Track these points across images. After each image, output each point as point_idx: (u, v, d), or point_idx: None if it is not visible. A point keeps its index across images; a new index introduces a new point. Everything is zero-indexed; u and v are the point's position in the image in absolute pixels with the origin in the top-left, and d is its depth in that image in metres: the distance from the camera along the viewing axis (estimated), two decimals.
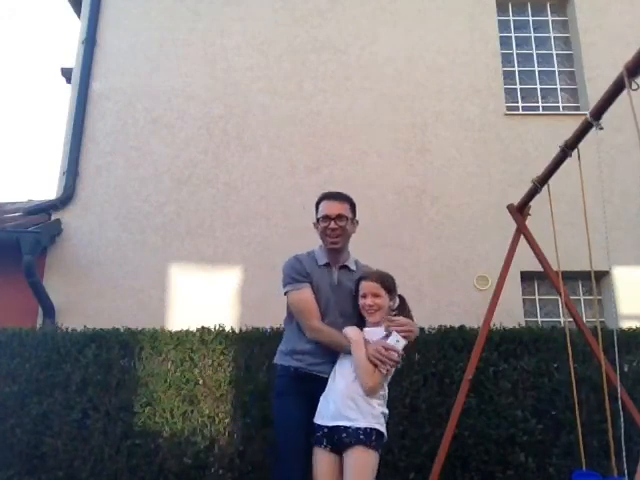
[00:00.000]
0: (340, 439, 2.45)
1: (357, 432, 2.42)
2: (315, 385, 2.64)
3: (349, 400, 2.48)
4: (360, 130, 6.32)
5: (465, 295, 5.67)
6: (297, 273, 2.80)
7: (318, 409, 2.59)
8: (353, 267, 2.89)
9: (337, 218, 2.82)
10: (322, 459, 2.49)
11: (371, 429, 2.45)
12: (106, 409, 4.27)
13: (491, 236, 5.81)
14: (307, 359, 2.72)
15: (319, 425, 2.54)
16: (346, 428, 2.44)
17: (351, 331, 2.58)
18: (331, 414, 2.50)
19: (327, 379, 2.64)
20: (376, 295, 2.60)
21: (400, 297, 2.75)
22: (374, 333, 2.58)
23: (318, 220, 2.88)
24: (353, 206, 2.96)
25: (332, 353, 2.66)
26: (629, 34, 6.29)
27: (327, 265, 2.85)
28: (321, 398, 2.60)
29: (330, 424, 2.49)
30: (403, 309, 2.72)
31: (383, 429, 2.51)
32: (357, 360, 2.49)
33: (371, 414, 2.47)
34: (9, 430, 4.24)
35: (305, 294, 2.76)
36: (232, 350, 4.44)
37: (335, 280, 2.83)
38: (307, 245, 6.02)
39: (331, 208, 2.86)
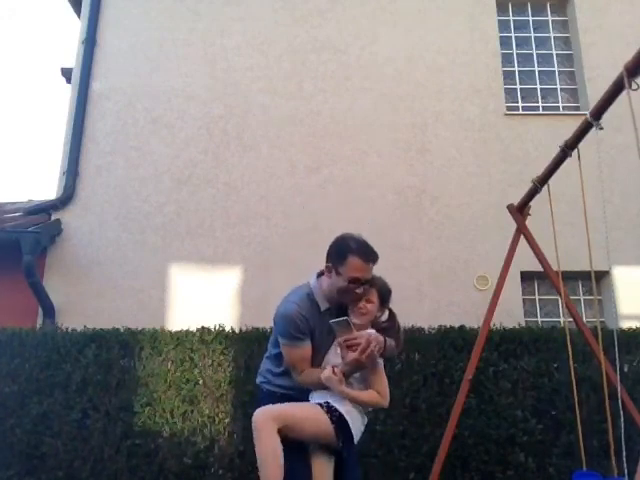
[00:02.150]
0: None
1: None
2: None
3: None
4: (360, 130, 6.32)
5: (465, 295, 5.67)
6: (298, 332, 2.54)
7: None
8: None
9: (366, 283, 2.56)
10: (314, 458, 2.51)
11: (332, 405, 2.45)
12: (106, 409, 4.27)
13: (491, 236, 5.81)
14: (287, 392, 2.68)
15: None
16: None
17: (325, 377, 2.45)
18: None
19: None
20: (370, 300, 2.56)
21: (391, 312, 2.69)
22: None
23: (338, 271, 2.54)
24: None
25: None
26: (629, 34, 6.29)
27: (329, 309, 2.64)
28: None
29: None
30: (392, 325, 2.65)
31: (343, 413, 2.44)
32: (354, 399, 2.46)
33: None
34: (9, 430, 4.25)
35: (302, 352, 2.57)
36: (232, 350, 4.45)
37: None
38: (306, 245, 6.02)
39: (366, 272, 2.54)
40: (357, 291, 2.54)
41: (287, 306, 2.62)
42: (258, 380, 2.87)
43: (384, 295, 2.62)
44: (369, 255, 2.56)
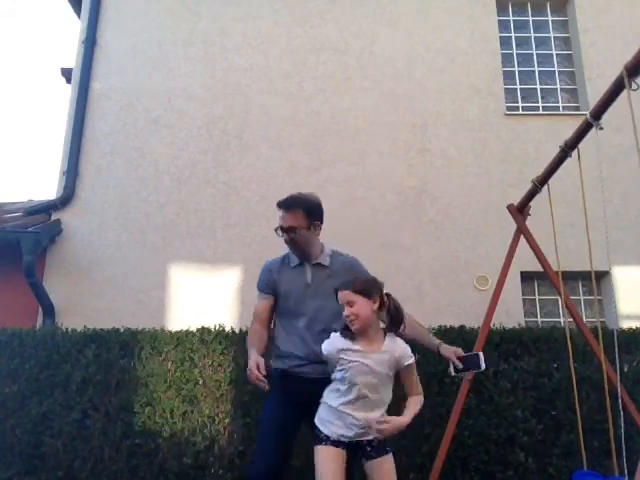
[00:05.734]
0: (361, 451, 2.48)
1: (379, 446, 2.46)
2: (299, 385, 2.73)
3: (365, 428, 2.46)
4: (360, 130, 6.32)
5: (465, 295, 5.67)
6: (263, 283, 2.91)
7: (322, 419, 2.55)
8: (325, 263, 2.87)
9: (287, 230, 2.81)
10: (327, 454, 2.47)
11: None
12: (106, 409, 4.27)
13: (491, 236, 5.81)
14: (290, 361, 2.78)
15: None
16: (369, 441, 2.47)
17: None
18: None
19: (310, 379, 2.68)
20: (350, 304, 2.44)
21: (388, 297, 2.52)
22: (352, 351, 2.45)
23: None
24: (309, 210, 2.84)
25: (313, 354, 2.69)
26: (629, 34, 6.29)
27: (301, 264, 2.88)
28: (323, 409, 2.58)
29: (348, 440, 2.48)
30: (396, 317, 2.51)
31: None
32: None
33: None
34: (9, 430, 4.24)
35: (260, 305, 2.90)
36: (232, 350, 4.44)
37: (309, 279, 2.85)
38: None
39: (282, 219, 2.83)
40: (283, 238, 2.85)
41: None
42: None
43: (360, 288, 2.46)
44: (284, 202, 2.84)
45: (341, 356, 2.46)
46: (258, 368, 2.55)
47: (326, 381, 2.59)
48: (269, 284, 2.89)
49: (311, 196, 2.91)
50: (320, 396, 2.58)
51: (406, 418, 2.43)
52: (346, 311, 2.44)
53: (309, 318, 2.78)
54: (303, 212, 2.81)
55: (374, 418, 2.41)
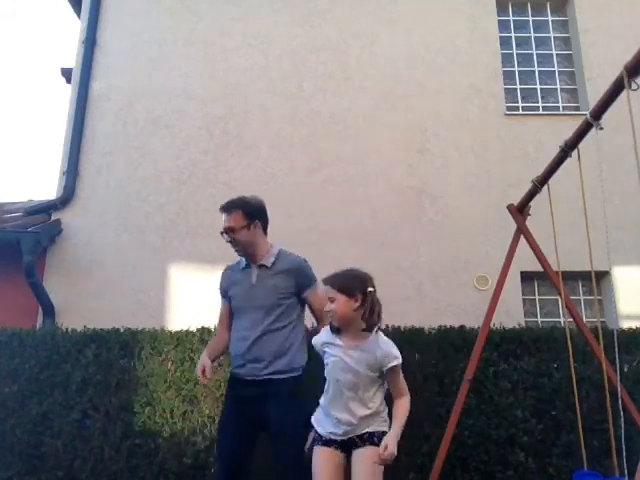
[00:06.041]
0: (354, 445, 2.46)
1: (371, 436, 2.44)
2: (243, 387, 2.83)
3: (352, 427, 2.47)
4: (360, 130, 6.32)
5: (465, 295, 5.67)
6: (220, 288, 3.09)
7: (317, 418, 2.57)
8: (268, 263, 2.95)
9: (226, 231, 2.92)
10: (320, 455, 2.49)
11: (382, 432, 2.45)
12: (106, 409, 4.27)
13: (491, 236, 5.80)
14: (234, 362, 2.92)
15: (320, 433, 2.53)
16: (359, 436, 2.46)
17: None
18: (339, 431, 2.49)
19: (247, 380, 2.79)
20: (331, 299, 2.43)
21: (372, 302, 2.42)
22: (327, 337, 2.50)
23: None
24: (248, 211, 2.94)
25: (251, 354, 2.80)
26: (629, 34, 6.28)
27: (249, 266, 2.99)
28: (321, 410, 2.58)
29: (340, 439, 2.48)
30: (370, 315, 2.40)
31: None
32: None
33: (377, 421, 2.49)
34: (9, 430, 4.24)
35: (222, 309, 3.09)
36: None
37: (253, 280, 2.94)
38: (306, 245, 6.01)
39: (223, 222, 2.94)
40: (225, 240, 2.93)
41: None
42: None
43: (340, 285, 2.43)
44: (224, 206, 2.95)
45: (325, 349, 2.52)
46: (204, 371, 2.78)
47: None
48: (223, 288, 3.06)
49: (252, 198, 3.01)
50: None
51: (392, 433, 2.39)
52: (327, 307, 2.47)
53: (252, 318, 2.86)
54: (242, 213, 2.92)
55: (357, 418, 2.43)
